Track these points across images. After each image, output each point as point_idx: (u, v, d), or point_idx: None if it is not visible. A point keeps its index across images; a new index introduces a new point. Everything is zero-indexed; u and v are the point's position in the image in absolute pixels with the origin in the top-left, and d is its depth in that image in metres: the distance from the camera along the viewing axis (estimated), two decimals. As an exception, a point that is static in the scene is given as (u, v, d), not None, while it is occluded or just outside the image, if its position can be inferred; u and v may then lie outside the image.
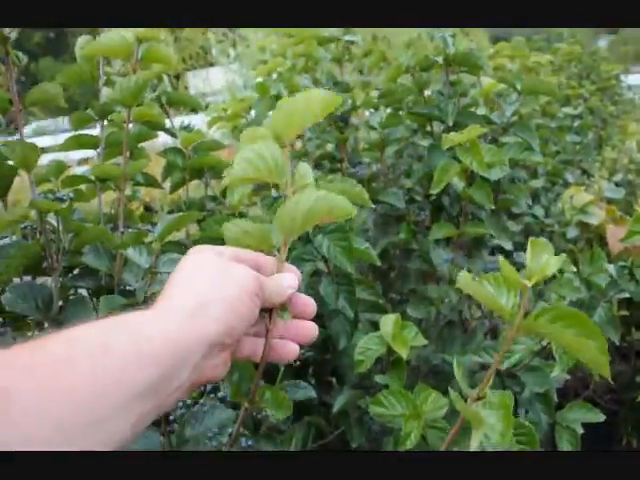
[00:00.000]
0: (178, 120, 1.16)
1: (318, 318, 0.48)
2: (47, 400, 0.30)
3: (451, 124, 1.02)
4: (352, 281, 0.76)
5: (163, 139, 1.05)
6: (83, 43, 0.88)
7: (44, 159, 0.84)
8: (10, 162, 0.70)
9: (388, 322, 0.74)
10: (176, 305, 0.39)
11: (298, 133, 0.48)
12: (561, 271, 0.91)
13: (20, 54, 0.71)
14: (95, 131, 0.91)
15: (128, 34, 0.78)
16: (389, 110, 1.22)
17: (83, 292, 0.79)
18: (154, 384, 0.35)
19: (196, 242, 0.77)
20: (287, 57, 1.50)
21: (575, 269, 0.93)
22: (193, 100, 1.09)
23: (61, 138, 0.88)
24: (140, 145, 0.92)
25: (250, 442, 0.69)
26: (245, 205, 1.23)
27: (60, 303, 0.71)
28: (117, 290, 0.75)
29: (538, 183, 1.50)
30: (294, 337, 0.48)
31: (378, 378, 0.75)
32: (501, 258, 0.48)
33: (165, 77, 1.09)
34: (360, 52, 1.75)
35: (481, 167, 0.90)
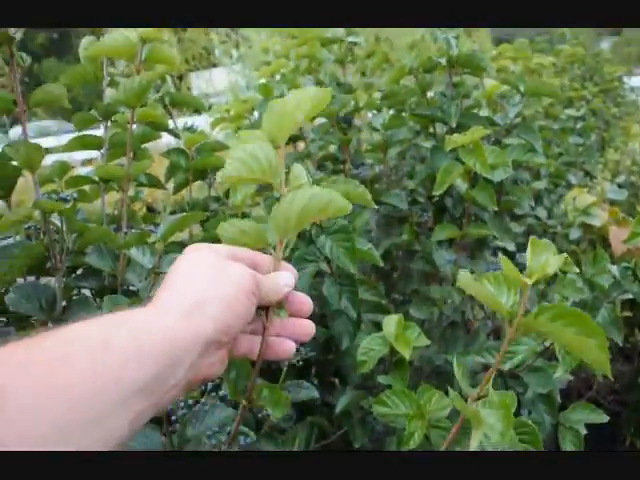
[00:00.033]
0: (181, 121, 1.17)
1: (321, 318, 0.48)
2: (43, 398, 0.30)
3: (454, 126, 1.02)
4: (355, 282, 0.76)
5: (166, 140, 1.05)
6: (87, 44, 0.88)
7: (48, 160, 0.84)
8: (14, 162, 0.70)
9: (391, 323, 0.74)
10: (173, 303, 0.39)
11: (291, 133, 0.48)
12: (564, 272, 0.91)
13: (24, 55, 0.72)
14: (99, 132, 0.91)
15: (132, 35, 0.79)
16: (392, 111, 1.22)
17: (86, 292, 0.79)
18: (152, 381, 0.35)
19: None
20: (290, 58, 1.50)
21: (578, 270, 0.93)
22: (196, 101, 1.09)
23: (65, 139, 0.88)
24: (143, 146, 0.93)
25: (249, 440, 0.69)
26: (248, 205, 1.23)
27: (64, 303, 0.71)
28: (120, 290, 0.75)
29: (541, 185, 1.50)
30: (291, 335, 0.48)
31: (381, 378, 0.75)
32: (502, 256, 0.48)
33: (168, 78, 1.10)
34: (363, 53, 1.76)
35: (484, 168, 0.90)
